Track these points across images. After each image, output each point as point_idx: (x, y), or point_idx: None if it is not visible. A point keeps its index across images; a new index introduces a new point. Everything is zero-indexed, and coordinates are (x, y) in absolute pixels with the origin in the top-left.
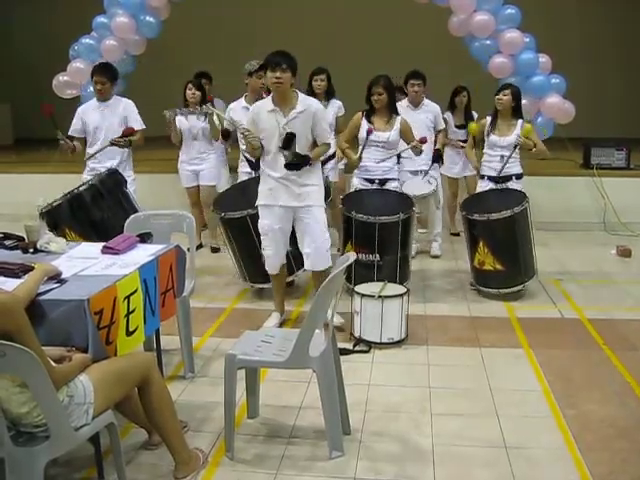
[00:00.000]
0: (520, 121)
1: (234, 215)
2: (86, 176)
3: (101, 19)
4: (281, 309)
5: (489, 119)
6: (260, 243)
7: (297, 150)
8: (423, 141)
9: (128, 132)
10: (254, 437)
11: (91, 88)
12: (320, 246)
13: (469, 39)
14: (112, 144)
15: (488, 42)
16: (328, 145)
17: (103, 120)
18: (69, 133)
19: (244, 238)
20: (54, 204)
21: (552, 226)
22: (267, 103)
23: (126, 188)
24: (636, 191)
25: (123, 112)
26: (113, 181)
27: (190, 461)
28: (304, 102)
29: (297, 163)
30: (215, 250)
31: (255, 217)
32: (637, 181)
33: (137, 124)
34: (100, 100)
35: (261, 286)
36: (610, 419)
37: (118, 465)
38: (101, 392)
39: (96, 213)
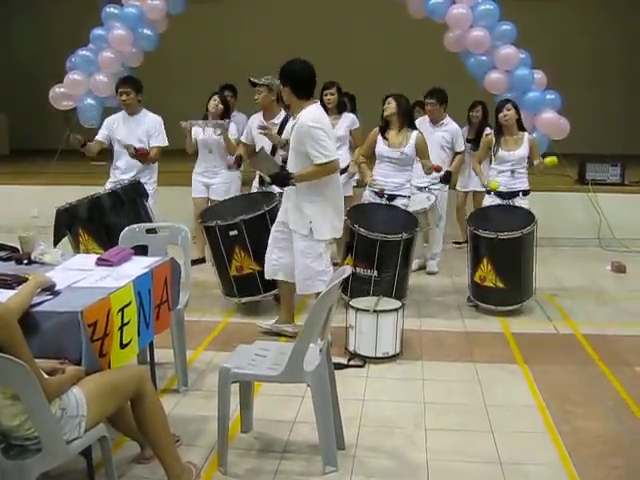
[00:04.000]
0: (526, 134)
1: (207, 224)
2: (109, 186)
3: (99, 31)
4: (280, 316)
5: (493, 135)
6: (227, 257)
7: (282, 165)
8: (437, 169)
9: (142, 153)
10: (247, 451)
11: (89, 100)
12: (298, 273)
13: (465, 55)
14: (131, 153)
15: (484, 58)
16: (318, 167)
17: (130, 134)
18: (96, 138)
19: (215, 248)
20: (73, 203)
21: (547, 241)
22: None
23: (147, 201)
24: (631, 207)
25: (147, 126)
26: (135, 192)
27: (182, 475)
28: (300, 116)
29: (278, 178)
30: None
31: (225, 229)
32: (632, 197)
33: (158, 140)
34: (128, 113)
35: (232, 299)
36: (605, 435)
37: (110, 479)
38: (94, 405)
39: (113, 219)
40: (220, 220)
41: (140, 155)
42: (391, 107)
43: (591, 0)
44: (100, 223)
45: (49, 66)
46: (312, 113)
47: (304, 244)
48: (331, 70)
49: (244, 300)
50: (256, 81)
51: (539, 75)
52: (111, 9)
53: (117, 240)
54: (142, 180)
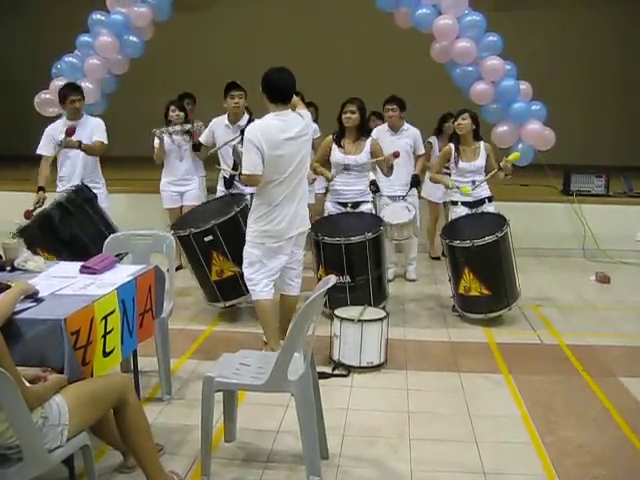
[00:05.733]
0: (482, 143)
1: (180, 233)
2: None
3: (85, 38)
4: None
5: (452, 146)
6: (206, 263)
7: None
8: (396, 155)
9: (70, 131)
10: (231, 461)
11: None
12: None
13: (451, 65)
14: (65, 146)
15: (470, 69)
16: (244, 176)
17: (75, 138)
18: (38, 152)
19: (192, 256)
20: (24, 225)
21: (532, 252)
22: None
23: (96, 203)
24: (615, 218)
25: (91, 130)
26: (81, 197)
27: None
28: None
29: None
30: None
31: (199, 236)
32: (616, 208)
33: (100, 137)
34: (71, 119)
35: (217, 304)
36: (588, 445)
37: None
38: (76, 413)
39: (66, 231)
40: (193, 228)
41: (70, 132)
42: (355, 118)
43: (578, 15)
44: (54, 238)
45: (34, 72)
46: (257, 122)
47: (245, 246)
48: (302, 81)
49: (229, 304)
50: (242, 85)
51: (525, 86)
52: (97, 16)
53: (77, 250)
54: (86, 182)
